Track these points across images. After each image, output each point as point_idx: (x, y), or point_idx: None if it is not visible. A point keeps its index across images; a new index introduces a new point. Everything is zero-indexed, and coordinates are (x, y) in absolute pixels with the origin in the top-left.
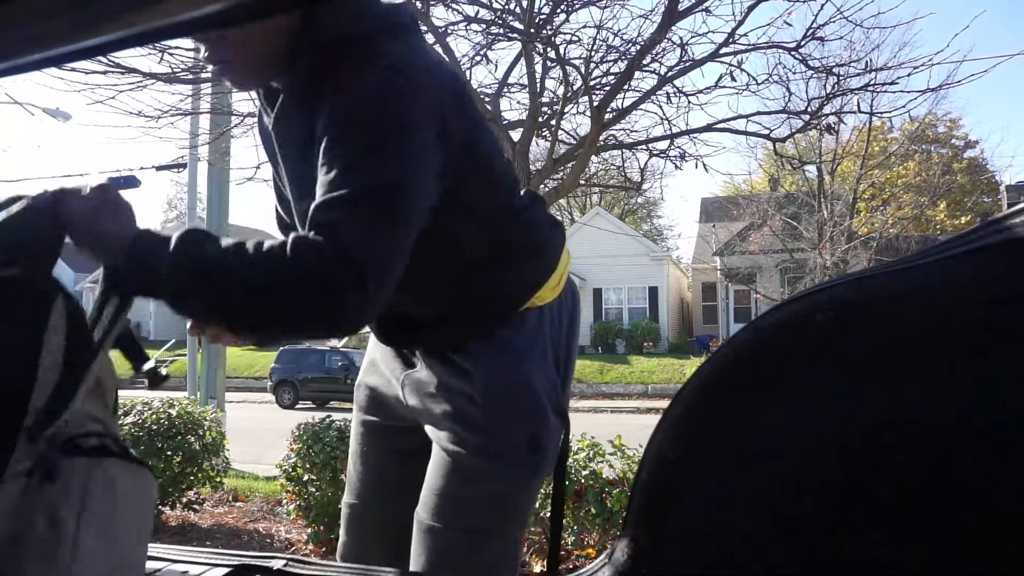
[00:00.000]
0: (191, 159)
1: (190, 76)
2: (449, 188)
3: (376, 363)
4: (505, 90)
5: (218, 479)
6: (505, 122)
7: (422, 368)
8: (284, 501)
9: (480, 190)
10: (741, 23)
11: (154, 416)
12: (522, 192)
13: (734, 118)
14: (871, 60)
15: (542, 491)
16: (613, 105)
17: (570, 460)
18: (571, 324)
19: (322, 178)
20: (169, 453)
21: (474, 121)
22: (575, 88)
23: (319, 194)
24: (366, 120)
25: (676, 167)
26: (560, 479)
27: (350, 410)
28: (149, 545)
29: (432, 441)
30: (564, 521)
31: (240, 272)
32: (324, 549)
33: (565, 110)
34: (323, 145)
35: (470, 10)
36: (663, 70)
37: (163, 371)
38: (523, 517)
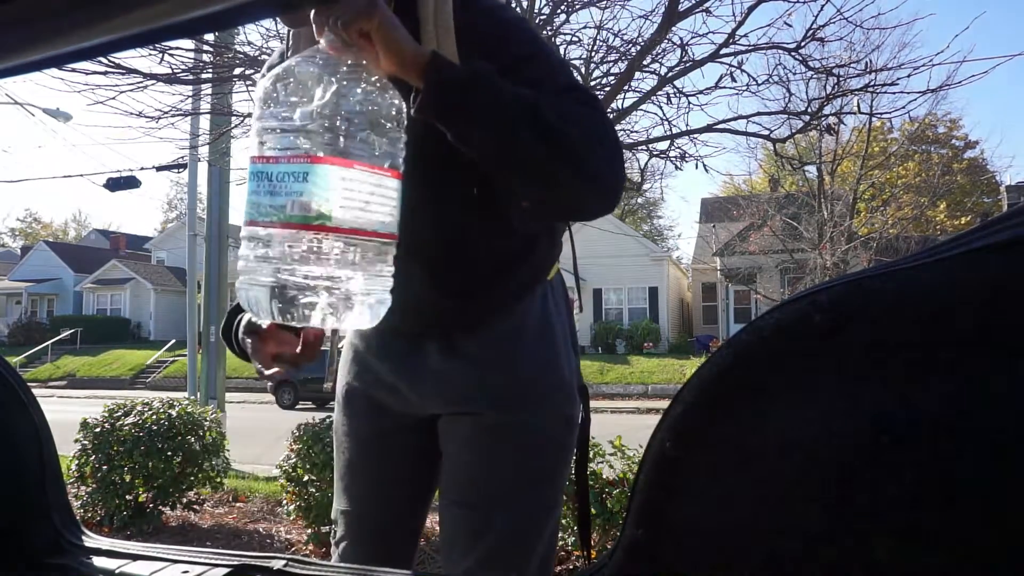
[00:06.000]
0: (191, 159)
1: (190, 77)
2: None
3: (367, 363)
4: None
5: (218, 479)
6: None
7: (440, 358)
8: (284, 501)
9: None
10: (741, 24)
11: (154, 416)
12: None
13: (734, 119)
14: (871, 61)
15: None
16: (613, 106)
17: None
18: (567, 300)
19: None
20: (169, 453)
21: None
22: None
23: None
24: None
25: (676, 168)
26: (584, 452)
27: None
28: (149, 545)
29: (447, 436)
30: (564, 522)
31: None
32: (324, 549)
33: None
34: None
35: None
36: (663, 71)
37: None
38: (560, 491)
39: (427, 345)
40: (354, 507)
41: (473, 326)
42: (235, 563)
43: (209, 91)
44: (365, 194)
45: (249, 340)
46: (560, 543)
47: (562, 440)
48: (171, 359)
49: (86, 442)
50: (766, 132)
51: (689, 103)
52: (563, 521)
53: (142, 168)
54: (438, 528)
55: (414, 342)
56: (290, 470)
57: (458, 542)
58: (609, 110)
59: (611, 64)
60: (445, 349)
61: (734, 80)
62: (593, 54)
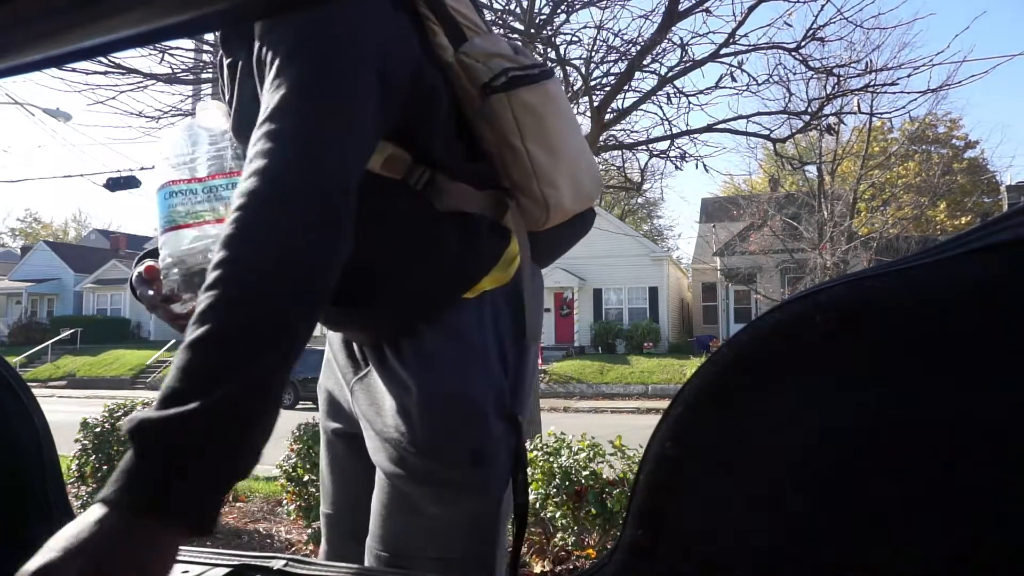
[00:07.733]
0: None
1: (190, 76)
2: (399, 125)
3: (331, 363)
4: None
5: None
6: None
7: (370, 374)
8: (284, 501)
9: (437, 141)
10: (741, 24)
11: None
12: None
13: (734, 118)
14: (871, 61)
15: (542, 491)
16: (613, 105)
17: (570, 461)
18: (517, 313)
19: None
20: None
21: (424, 61)
22: (575, 88)
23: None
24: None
25: (676, 167)
26: (522, 489)
27: None
28: None
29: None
30: (564, 521)
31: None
32: None
33: None
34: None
35: None
36: (663, 70)
37: None
38: (491, 536)
39: (351, 346)
40: (331, 510)
41: (368, 327)
42: (235, 563)
43: (209, 91)
44: None
45: (147, 290)
46: (560, 543)
47: (466, 484)
48: (171, 359)
49: (86, 442)
50: (766, 132)
51: (689, 103)
52: (563, 521)
53: (142, 168)
54: None
55: (346, 344)
56: (290, 470)
57: None
58: (609, 110)
59: (611, 64)
60: (372, 363)
61: (734, 80)
62: (593, 54)
